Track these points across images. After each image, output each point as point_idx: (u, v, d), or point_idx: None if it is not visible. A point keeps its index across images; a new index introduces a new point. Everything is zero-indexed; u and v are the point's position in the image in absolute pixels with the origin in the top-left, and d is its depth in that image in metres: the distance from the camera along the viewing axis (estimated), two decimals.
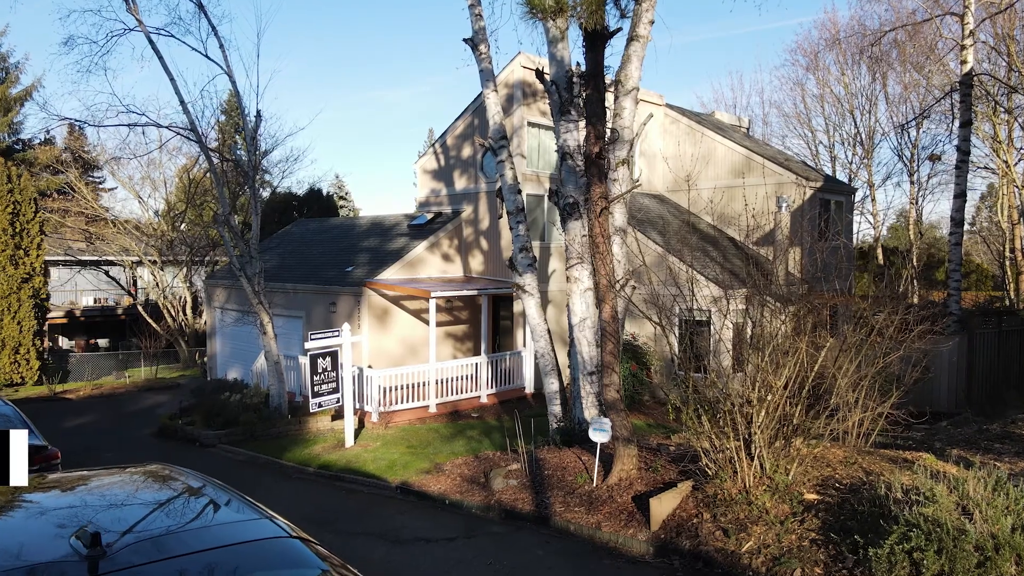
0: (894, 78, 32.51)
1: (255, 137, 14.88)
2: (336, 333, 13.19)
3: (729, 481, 7.10)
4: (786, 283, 12.79)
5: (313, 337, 12.91)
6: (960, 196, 16.68)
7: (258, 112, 15.36)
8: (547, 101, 11.59)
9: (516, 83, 18.63)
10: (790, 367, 6.66)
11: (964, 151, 16.47)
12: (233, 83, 14.82)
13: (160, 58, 13.76)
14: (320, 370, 12.82)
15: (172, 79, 13.73)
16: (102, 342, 38.60)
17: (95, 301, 38.60)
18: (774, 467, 7.06)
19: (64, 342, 38.92)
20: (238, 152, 40.49)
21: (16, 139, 40.68)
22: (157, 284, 31.91)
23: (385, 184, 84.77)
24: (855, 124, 35.50)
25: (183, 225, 33.33)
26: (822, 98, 36.92)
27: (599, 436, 8.60)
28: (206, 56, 14.88)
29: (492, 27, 11.75)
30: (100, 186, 40.74)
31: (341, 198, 55.11)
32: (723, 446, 7.24)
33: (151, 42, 13.62)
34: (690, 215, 16.44)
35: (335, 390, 13.11)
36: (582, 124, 10.20)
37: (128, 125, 13.59)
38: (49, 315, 34.84)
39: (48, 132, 39.72)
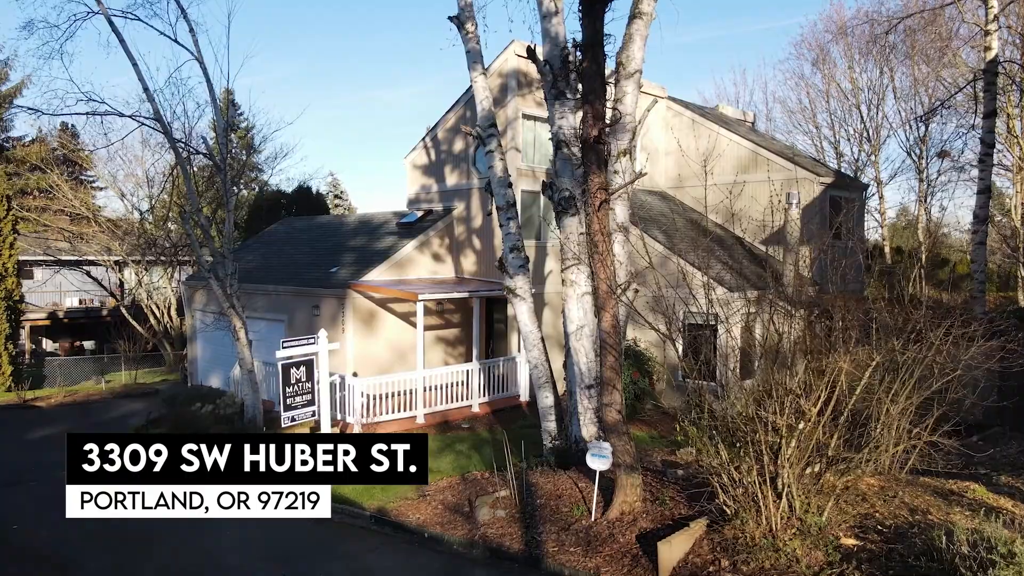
0: (903, 71, 31.47)
1: (227, 128, 13.76)
2: (311, 340, 12.11)
3: (752, 522, 6.01)
4: (799, 285, 11.73)
5: (286, 345, 11.83)
6: (984, 192, 15.62)
7: (231, 101, 14.22)
8: (544, 92, 10.47)
9: (510, 72, 17.54)
10: (825, 389, 5.59)
11: (989, 144, 15.40)
12: (204, 69, 13.73)
13: (121, 41, 12.66)
14: (294, 381, 11.73)
15: (135, 64, 12.64)
16: (87, 344, 37.49)
17: (80, 302, 37.48)
18: (805, 505, 5.97)
19: (48, 344, 37.82)
20: (234, 150, 39.36)
21: (6, 136, 39.62)
22: (141, 285, 30.77)
23: (383, 183, 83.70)
24: (862, 119, 34.43)
25: (171, 224, 32.19)
26: (827, 93, 35.82)
27: (598, 463, 7.52)
28: (175, 40, 13.81)
29: (480, 3, 10.66)
30: (93, 185, 39.63)
31: (336, 196, 53.95)
32: (743, 479, 6.15)
33: (111, 23, 12.53)
34: (705, 217, 15.20)
35: (310, 402, 12.03)
36: (579, 115, 9.12)
37: (87, 114, 12.51)
38: (31, 317, 33.71)
39: (41, 130, 38.63)
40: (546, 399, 10.58)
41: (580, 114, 8.12)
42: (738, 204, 18.82)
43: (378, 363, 16.60)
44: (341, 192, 54.15)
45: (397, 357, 17.05)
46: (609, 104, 8.49)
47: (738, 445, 6.16)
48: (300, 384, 11.81)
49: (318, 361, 12.12)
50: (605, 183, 7.52)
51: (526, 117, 17.71)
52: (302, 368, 11.83)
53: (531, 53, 9.01)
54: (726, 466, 6.11)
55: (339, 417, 14.45)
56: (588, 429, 9.75)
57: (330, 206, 49.38)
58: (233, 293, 14.02)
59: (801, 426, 5.58)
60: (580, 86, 8.31)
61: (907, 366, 5.78)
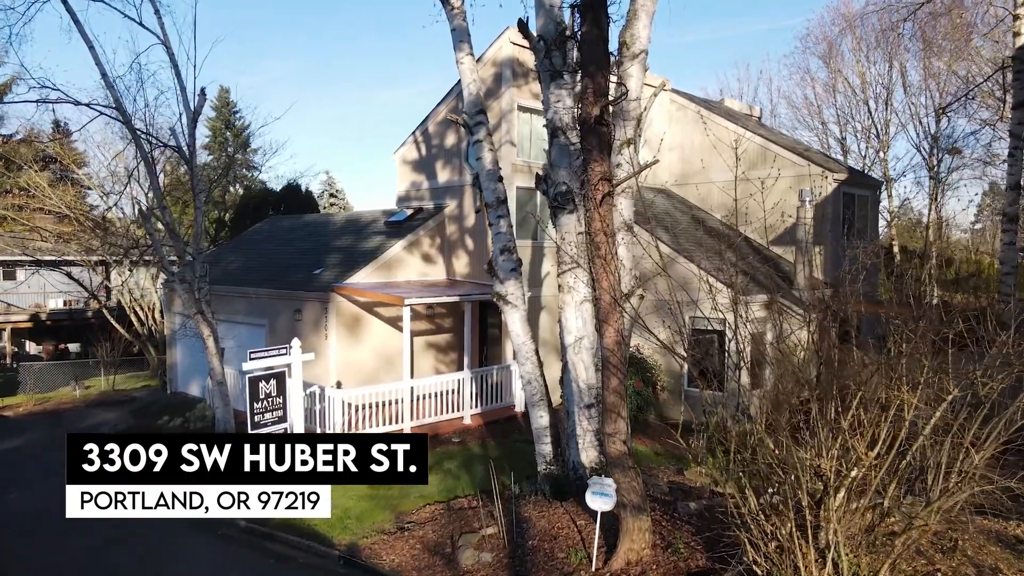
0: (914, 64, 30.44)
1: (195, 119, 12.67)
2: (283, 351, 11.01)
3: None
4: (808, 287, 10.63)
5: (254, 356, 10.72)
6: (1014, 188, 14.52)
7: (202, 90, 13.14)
8: (538, 71, 9.34)
9: (505, 61, 16.45)
10: (884, 426, 4.48)
11: (1019, 136, 14.29)
12: (170, 54, 12.65)
13: (77, 23, 11.55)
14: (263, 395, 10.62)
15: (91, 46, 11.52)
16: (72, 347, 36.43)
17: (64, 303, 36.38)
18: (854, 567, 4.87)
19: (32, 347, 36.77)
20: (228, 148, 37.86)
21: None
22: (124, 285, 29.66)
23: (383, 182, 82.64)
24: (870, 115, 33.38)
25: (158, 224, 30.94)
26: (834, 88, 34.77)
27: (600, 503, 6.41)
28: (140, 24, 12.75)
29: None
30: (83, 185, 38.46)
31: (332, 195, 52.83)
32: (777, 531, 5.05)
33: (65, 2, 11.42)
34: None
35: (282, 418, 10.91)
36: (579, 98, 7.99)
37: (37, 101, 11.41)
38: (12, 319, 32.58)
39: (32, 128, 37.36)
40: (541, 418, 9.44)
41: (579, 95, 6.98)
42: (744, 202, 17.79)
43: (364, 372, 15.52)
44: (337, 191, 52.96)
45: (385, 365, 15.96)
46: (613, 77, 7.38)
47: (771, 491, 5.06)
48: (270, 399, 10.70)
49: (291, 373, 11.02)
50: (608, 173, 6.40)
51: (522, 109, 16.63)
52: (272, 381, 10.73)
53: (523, 27, 7.90)
54: (756, 517, 5.00)
55: (318, 431, 13.35)
56: (588, 454, 8.65)
57: (326, 205, 48.22)
58: (202, 298, 12.90)
59: (854, 472, 4.48)
60: (578, 56, 7.16)
61: (989, 399, 4.65)
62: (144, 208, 12.98)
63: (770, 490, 5.07)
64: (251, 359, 10.67)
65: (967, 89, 19.67)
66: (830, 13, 50.91)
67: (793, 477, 4.91)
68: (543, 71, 8.08)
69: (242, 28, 63.25)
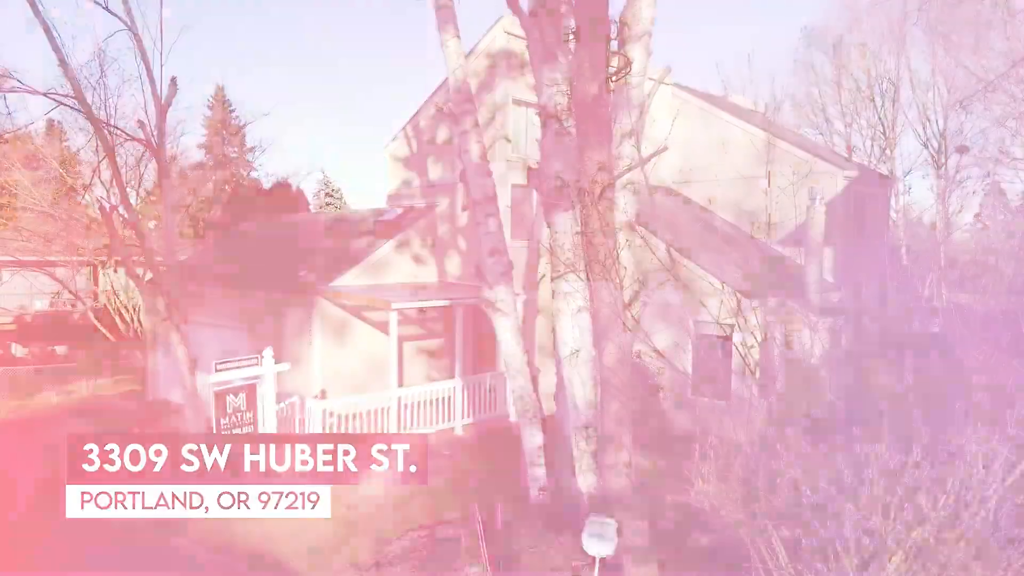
0: (923, 60, 29.58)
1: (165, 110, 11.80)
2: (254, 360, 10.14)
3: None
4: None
5: (220, 367, 9.85)
6: None
7: (172, 79, 12.27)
8: (529, 51, 8.45)
9: (499, 53, 15.63)
10: (953, 476, 3.61)
11: None
12: (138, 40, 11.78)
13: (31, 2, 10.67)
14: (231, 410, 9.76)
15: (47, 28, 10.64)
16: (60, 349, 35.59)
17: (51, 305, 35.63)
18: None
19: (19, 350, 35.98)
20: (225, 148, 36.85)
21: None
22: (103, 282, 28.84)
23: (381, 182, 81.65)
24: (876, 112, 32.56)
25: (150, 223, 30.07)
26: (839, 84, 33.94)
27: (599, 547, 5.53)
28: (106, 9, 11.89)
29: None
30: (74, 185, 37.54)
31: (328, 195, 51.95)
32: None
33: None
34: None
35: None
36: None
37: None
38: None
39: (26, 127, 36.35)
40: (533, 438, 8.54)
41: (575, 71, 6.09)
42: (751, 201, 16.96)
43: (351, 380, 14.63)
44: (334, 190, 52.07)
45: (374, 372, 15.05)
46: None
47: (804, 542, 4.18)
48: (239, 414, 9.83)
49: (262, 386, 10.16)
50: (608, 162, 5.53)
51: (517, 103, 15.79)
52: (241, 395, 9.87)
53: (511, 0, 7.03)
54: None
55: None
56: (585, 478, 7.77)
57: (322, 204, 47.35)
58: (171, 303, 12.02)
59: (915, 535, 3.61)
60: (574, 28, 6.28)
61: None
62: (107, 207, 12.05)
63: (803, 541, 4.21)
64: (217, 370, 9.81)
65: (985, 82, 18.82)
66: (837, 8, 49.95)
67: (836, 525, 4.03)
68: (534, 50, 7.21)
69: (237, 25, 62.39)
